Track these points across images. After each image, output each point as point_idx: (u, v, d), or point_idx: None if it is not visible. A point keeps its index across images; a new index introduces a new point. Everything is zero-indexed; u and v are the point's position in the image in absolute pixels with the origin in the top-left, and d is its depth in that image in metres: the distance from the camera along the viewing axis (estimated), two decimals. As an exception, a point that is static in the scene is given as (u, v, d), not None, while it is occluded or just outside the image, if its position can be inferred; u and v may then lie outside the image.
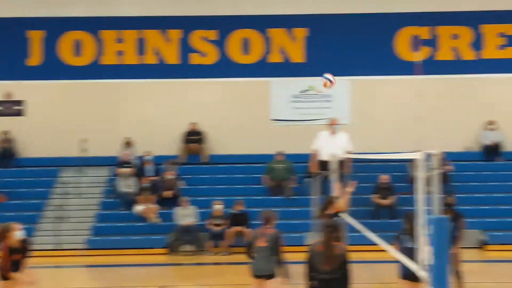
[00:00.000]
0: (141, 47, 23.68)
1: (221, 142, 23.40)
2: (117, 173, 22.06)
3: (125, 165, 21.98)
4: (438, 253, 6.05)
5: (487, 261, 18.79)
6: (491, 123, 22.89)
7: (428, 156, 6.61)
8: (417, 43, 23.21)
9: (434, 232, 6.10)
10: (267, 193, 21.78)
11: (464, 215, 20.18)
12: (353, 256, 17.56)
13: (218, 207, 19.91)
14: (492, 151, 22.80)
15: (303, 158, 21.62)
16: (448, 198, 11.92)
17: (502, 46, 23.53)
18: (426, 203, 6.90)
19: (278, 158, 21.85)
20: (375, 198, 20.81)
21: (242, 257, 19.52)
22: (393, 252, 9.45)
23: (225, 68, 23.51)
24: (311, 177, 19.15)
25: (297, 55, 23.55)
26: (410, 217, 8.53)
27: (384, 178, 20.92)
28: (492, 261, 18.56)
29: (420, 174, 6.81)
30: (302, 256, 19.22)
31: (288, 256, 18.94)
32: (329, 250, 8.59)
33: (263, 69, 23.44)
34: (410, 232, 8.66)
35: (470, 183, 22.03)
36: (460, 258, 11.71)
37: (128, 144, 22.91)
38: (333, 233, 8.57)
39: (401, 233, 12.26)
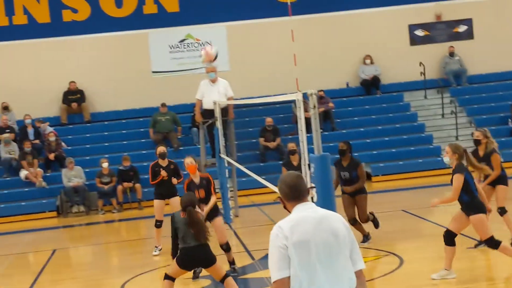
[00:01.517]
0: (9, 7, 22.67)
1: (102, 99, 22.92)
2: (-4, 140, 21.30)
3: (5, 130, 21.24)
4: (322, 191, 6.16)
5: (373, 192, 19.39)
6: (367, 57, 23.41)
7: (307, 96, 6.66)
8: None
9: (316, 171, 6.20)
10: (153, 146, 21.58)
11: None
12: (244, 200, 17.93)
13: (105, 165, 19.63)
14: (370, 85, 23.39)
15: (187, 108, 21.56)
16: (341, 144, 12.21)
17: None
18: (308, 142, 6.99)
19: (162, 110, 21.66)
20: (261, 141, 21.03)
21: (134, 213, 19.48)
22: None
23: (99, 23, 22.89)
24: (197, 126, 19.11)
25: (172, 4, 23.17)
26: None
27: (269, 120, 21.14)
28: (378, 192, 19.18)
29: (300, 114, 6.86)
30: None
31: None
32: (192, 217, 8.80)
33: (139, 21, 22.97)
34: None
35: (353, 118, 22.60)
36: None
37: (5, 109, 22.10)
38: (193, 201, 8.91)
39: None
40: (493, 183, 10.95)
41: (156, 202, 12.96)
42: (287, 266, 4.44)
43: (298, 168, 10.21)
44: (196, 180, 11.03)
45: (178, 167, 13.30)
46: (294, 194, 4.57)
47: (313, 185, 5.37)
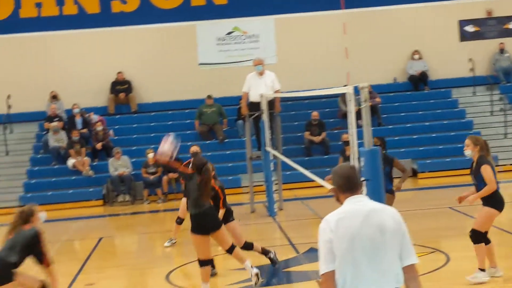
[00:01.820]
0: (60, -3, 22.98)
1: (149, 90, 23.10)
2: (45, 128, 21.63)
3: (54, 119, 21.55)
4: (371, 185, 6.13)
5: (419, 189, 19.26)
6: (416, 53, 23.18)
7: (357, 90, 6.63)
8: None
9: (366, 165, 6.17)
10: (199, 138, 21.72)
11: (395, 146, 20.73)
12: (288, 194, 17.93)
13: (150, 155, 19.79)
14: (418, 81, 23.16)
15: (233, 101, 21.61)
16: (374, 140, 11.91)
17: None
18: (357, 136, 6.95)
19: (208, 102, 21.74)
20: (307, 135, 20.99)
21: (178, 204, 19.58)
22: (329, 187, 9.54)
23: (147, 14, 23.06)
24: (242, 119, 19.15)
25: (221, -4, 23.24)
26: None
27: (315, 114, 21.08)
28: (424, 189, 19.03)
29: (350, 108, 6.82)
30: (239, 198, 19.40)
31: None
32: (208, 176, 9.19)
33: (187, 13, 23.07)
34: None
35: (399, 114, 22.41)
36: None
37: (54, 98, 22.41)
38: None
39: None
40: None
41: (184, 200, 12.69)
42: (333, 260, 4.46)
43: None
44: None
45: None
46: (347, 186, 4.56)
47: (365, 178, 5.35)
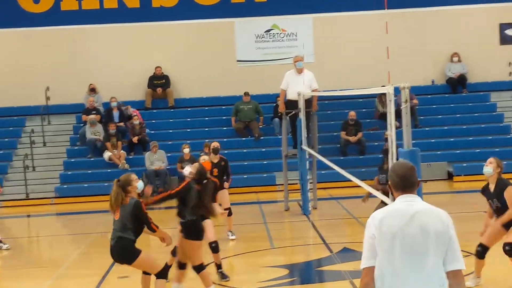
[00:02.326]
0: (100, -9, 23.20)
1: (187, 86, 23.23)
2: (83, 120, 21.86)
3: (91, 112, 21.78)
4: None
5: (455, 192, 19.12)
6: (455, 55, 23.00)
7: (397, 90, 6.61)
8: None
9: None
10: (235, 135, 21.79)
11: (432, 148, 20.57)
12: (322, 193, 17.91)
13: (186, 150, 19.88)
14: (456, 83, 22.97)
15: (270, 98, 21.64)
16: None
17: (465, -22, 23.49)
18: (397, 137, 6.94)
19: (245, 99, 21.80)
20: (343, 135, 20.94)
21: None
22: (365, 187, 9.53)
23: (187, 10, 23.17)
24: (278, 117, 19.16)
25: (260, -7, 23.27)
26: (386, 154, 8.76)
27: (352, 114, 21.02)
28: (460, 192, 18.89)
29: (390, 108, 6.81)
30: (273, 196, 19.42)
31: (260, 196, 19.20)
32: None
33: (226, 9, 23.14)
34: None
35: (437, 116, 22.25)
36: None
37: (92, 90, 22.64)
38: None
39: (380, 171, 12.44)
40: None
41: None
42: (374, 256, 4.48)
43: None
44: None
45: (228, 164, 13.20)
46: (402, 185, 4.57)
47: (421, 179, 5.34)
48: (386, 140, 12.97)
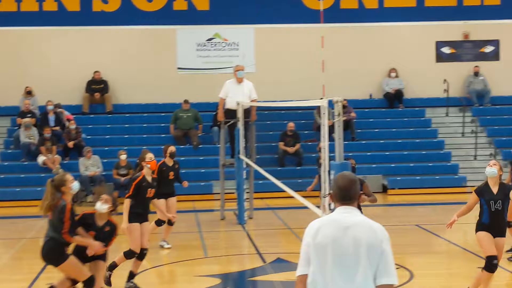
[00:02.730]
0: (40, -7, 22.86)
1: (126, 92, 23.04)
2: (18, 123, 21.48)
3: (26, 115, 21.41)
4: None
5: (389, 205, 19.42)
6: (393, 71, 23.40)
7: (332, 103, 6.70)
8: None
9: (337, 178, 6.24)
10: (173, 142, 21.68)
11: (367, 161, 20.88)
12: (259, 203, 17.97)
13: (123, 157, 19.73)
14: (393, 98, 23.36)
15: (210, 107, 21.64)
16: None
17: (402, -5, 23.95)
18: (329, 149, 7.02)
19: (184, 107, 21.75)
20: (281, 146, 21.07)
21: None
22: (300, 200, 9.61)
23: (128, 15, 23.02)
24: (218, 125, 19.18)
25: (202, 2, 23.26)
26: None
27: (290, 125, 21.18)
28: (394, 205, 19.19)
29: (324, 121, 6.89)
30: (210, 205, 19.36)
31: (196, 205, 19.13)
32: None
33: (168, 16, 23.07)
34: None
35: (373, 130, 22.59)
36: None
37: (29, 93, 22.26)
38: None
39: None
40: None
41: (162, 201, 12.63)
42: (308, 264, 4.53)
43: None
44: (149, 178, 10.75)
45: (179, 168, 13.35)
46: (341, 196, 4.61)
47: (330, 192, 5.39)
48: (319, 151, 13.04)
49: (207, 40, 23.22)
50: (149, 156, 10.72)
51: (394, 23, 23.70)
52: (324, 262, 4.47)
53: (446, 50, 23.91)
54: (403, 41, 23.60)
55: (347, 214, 4.57)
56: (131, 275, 10.36)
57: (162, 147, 21.10)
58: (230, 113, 15.97)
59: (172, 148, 13.22)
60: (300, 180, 18.00)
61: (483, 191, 8.95)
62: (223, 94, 16.18)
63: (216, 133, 20.40)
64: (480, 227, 8.97)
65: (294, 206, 14.90)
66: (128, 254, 10.28)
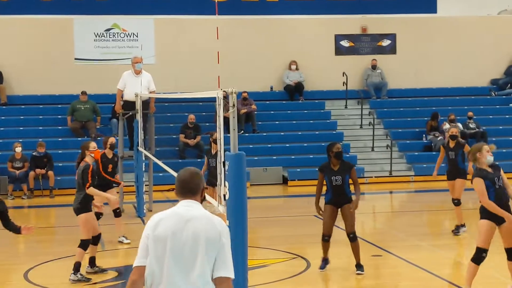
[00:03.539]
0: None
1: (21, 82, 22.38)
2: None
3: None
4: (235, 189, 6.19)
5: (288, 196, 19.62)
6: (293, 63, 23.63)
7: (228, 94, 6.67)
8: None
9: (230, 169, 6.22)
10: (70, 135, 21.25)
11: (268, 153, 21.01)
12: (159, 195, 17.82)
13: (18, 149, 19.17)
14: (294, 91, 23.60)
15: (109, 99, 21.27)
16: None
17: (304, -11, 24.22)
18: (226, 140, 7.00)
19: (82, 98, 21.32)
20: (182, 138, 20.95)
21: (44, 200, 19.11)
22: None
23: (24, 4, 22.35)
24: (116, 117, 18.90)
25: (101, -8, 22.85)
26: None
27: (191, 117, 21.07)
28: (293, 196, 19.40)
29: (219, 112, 6.86)
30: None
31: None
32: None
33: (65, 6, 22.53)
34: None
35: (274, 122, 22.76)
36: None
37: None
38: None
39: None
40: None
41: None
42: (146, 256, 4.56)
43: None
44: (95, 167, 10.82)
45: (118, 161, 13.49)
46: (182, 190, 4.68)
47: (205, 185, 5.42)
48: (214, 142, 13.04)
49: (105, 31, 22.81)
50: (93, 145, 10.58)
51: (294, 16, 23.95)
52: (162, 254, 4.51)
53: (344, 43, 24.33)
54: (303, 34, 23.85)
55: (188, 207, 4.62)
56: (92, 261, 10.62)
57: (59, 139, 20.90)
58: (128, 105, 15.74)
59: (112, 140, 13.04)
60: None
61: (488, 174, 8.58)
62: (121, 85, 15.93)
63: (115, 125, 20.10)
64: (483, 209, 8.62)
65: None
66: (84, 245, 10.25)
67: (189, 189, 4.65)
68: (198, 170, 4.79)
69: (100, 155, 12.34)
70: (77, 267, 10.15)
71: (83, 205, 10.23)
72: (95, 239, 10.55)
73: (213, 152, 12.99)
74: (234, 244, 5.83)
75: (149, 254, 4.53)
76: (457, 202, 12.98)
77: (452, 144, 13.09)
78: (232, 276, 4.53)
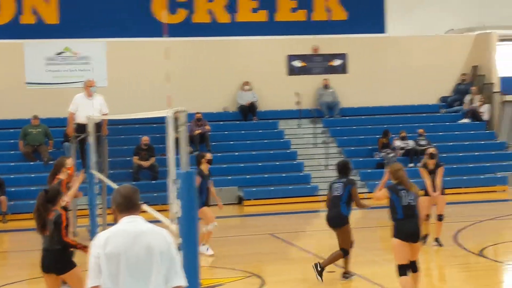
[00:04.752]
0: None
1: (-29, 107, 22.10)
2: None
3: None
4: (186, 207, 6.23)
5: (244, 216, 19.67)
6: (246, 84, 23.78)
7: (177, 114, 6.73)
8: (173, 5, 23.46)
9: (181, 186, 6.26)
10: (22, 159, 21.03)
11: (223, 173, 21.05)
12: (113, 218, 17.68)
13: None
14: (247, 111, 23.73)
15: (61, 122, 21.10)
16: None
17: (255, 10, 24.44)
18: (177, 159, 7.04)
19: (34, 122, 21.13)
20: (136, 160, 20.88)
21: (18, 224, 18.82)
22: (153, 213, 9.53)
23: (-28, 29, 22.15)
24: (69, 141, 18.77)
25: (51, 16, 22.74)
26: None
27: (145, 139, 21.04)
28: (249, 215, 19.46)
29: (170, 132, 6.92)
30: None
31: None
32: (40, 217, 8.39)
33: (14, 30, 22.39)
34: None
35: (228, 142, 22.83)
36: None
37: None
38: (46, 199, 8.29)
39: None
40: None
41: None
42: (99, 275, 4.59)
43: None
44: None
45: None
46: (127, 205, 4.73)
47: (143, 202, 5.50)
48: (209, 162, 13.42)
49: (56, 54, 22.69)
50: (70, 161, 10.51)
51: (246, 37, 24.14)
52: (117, 271, 4.55)
53: (297, 63, 24.58)
54: (255, 55, 24.04)
55: (134, 223, 4.71)
56: None
57: (11, 164, 20.63)
58: (81, 128, 15.66)
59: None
60: (155, 194, 17.88)
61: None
62: (72, 108, 15.87)
63: (68, 148, 19.93)
64: None
65: (148, 220, 14.78)
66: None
67: (133, 205, 4.73)
68: (136, 187, 4.84)
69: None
70: None
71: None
72: None
73: (206, 172, 13.19)
74: (187, 261, 5.88)
75: (101, 273, 4.53)
76: (440, 217, 13.61)
77: (431, 165, 13.47)
78: (186, 284, 4.62)
